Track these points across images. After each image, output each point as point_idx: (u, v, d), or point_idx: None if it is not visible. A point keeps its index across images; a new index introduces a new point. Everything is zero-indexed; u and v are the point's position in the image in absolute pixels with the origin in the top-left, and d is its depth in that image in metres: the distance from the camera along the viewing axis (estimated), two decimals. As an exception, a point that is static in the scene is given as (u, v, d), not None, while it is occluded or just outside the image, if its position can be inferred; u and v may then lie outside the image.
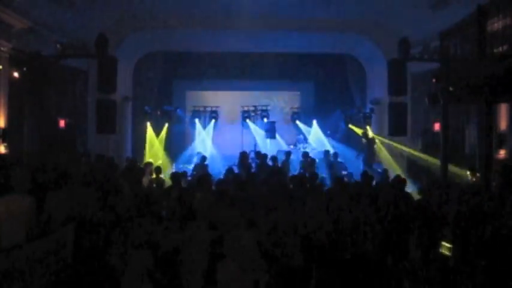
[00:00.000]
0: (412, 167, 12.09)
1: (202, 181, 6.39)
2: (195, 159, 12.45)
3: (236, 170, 9.49)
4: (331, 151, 12.78)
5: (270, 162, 10.35)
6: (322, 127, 14.90)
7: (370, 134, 13.55)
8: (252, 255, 3.68)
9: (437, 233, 4.73)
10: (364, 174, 7.81)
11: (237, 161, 10.75)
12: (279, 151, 13.34)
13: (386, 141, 13.17)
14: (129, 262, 3.96)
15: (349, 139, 14.76)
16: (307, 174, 8.70)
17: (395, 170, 11.80)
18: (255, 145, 14.50)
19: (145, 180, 8.46)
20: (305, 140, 14.69)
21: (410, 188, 8.36)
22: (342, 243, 4.47)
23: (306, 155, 11.72)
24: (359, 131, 14.07)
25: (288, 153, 11.54)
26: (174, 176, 7.42)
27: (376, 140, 13.47)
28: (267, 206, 5.17)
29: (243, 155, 10.49)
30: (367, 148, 13.21)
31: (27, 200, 4.67)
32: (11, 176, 5.09)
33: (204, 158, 11.25)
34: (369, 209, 5.15)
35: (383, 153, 13.35)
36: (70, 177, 6.06)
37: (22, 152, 9.72)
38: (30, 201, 4.68)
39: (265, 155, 10.72)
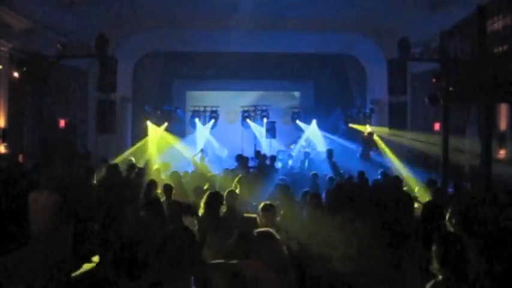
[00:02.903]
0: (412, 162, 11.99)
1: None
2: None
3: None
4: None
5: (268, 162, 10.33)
6: (322, 127, 14.89)
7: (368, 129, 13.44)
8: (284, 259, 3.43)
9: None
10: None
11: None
12: (279, 151, 13.32)
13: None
14: None
15: (349, 139, 14.73)
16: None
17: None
18: (255, 145, 14.48)
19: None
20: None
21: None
22: None
23: (307, 155, 11.71)
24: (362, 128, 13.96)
25: (289, 156, 11.54)
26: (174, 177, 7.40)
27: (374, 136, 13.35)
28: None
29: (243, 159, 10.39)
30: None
31: (54, 196, 5.29)
32: (41, 176, 5.70)
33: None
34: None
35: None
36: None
37: (22, 152, 9.72)
38: (56, 197, 5.28)
39: (264, 155, 10.70)
